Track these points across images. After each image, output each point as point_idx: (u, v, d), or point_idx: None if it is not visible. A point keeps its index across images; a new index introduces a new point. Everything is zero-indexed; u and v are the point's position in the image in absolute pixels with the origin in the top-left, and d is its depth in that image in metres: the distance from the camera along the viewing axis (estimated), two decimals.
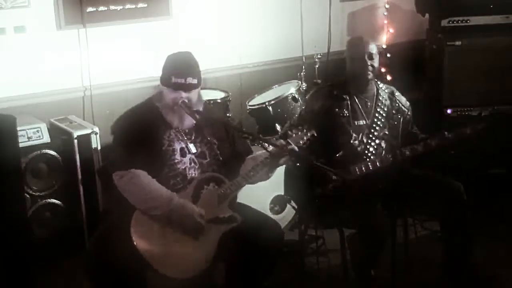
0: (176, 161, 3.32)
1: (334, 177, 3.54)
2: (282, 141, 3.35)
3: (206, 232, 3.23)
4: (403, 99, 3.97)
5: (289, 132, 3.38)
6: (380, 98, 3.89)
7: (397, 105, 3.91)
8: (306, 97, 4.24)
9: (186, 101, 3.31)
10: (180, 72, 3.32)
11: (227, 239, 3.25)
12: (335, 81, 4.03)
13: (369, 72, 3.81)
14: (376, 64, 3.84)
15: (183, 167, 3.33)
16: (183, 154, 3.34)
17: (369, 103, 3.87)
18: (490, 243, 4.22)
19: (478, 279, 3.85)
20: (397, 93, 3.96)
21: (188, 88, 3.32)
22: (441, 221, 3.86)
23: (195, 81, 3.34)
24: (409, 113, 3.95)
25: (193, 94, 3.36)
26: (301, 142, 3.37)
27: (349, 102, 3.82)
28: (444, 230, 3.85)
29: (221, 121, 3.56)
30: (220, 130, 3.49)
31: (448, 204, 3.72)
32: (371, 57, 3.81)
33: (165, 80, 3.35)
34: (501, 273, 4.00)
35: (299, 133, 3.38)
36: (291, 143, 3.32)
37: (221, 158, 3.41)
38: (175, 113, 3.34)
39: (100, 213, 4.32)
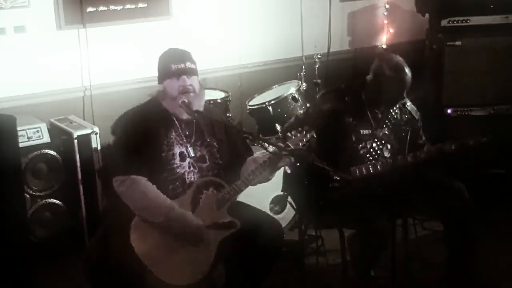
0: (176, 165, 3.31)
1: (335, 177, 3.54)
2: (281, 144, 3.32)
3: (205, 238, 3.23)
4: (414, 109, 3.90)
5: (289, 134, 3.36)
6: (391, 111, 3.84)
7: (406, 116, 3.85)
8: (317, 96, 4.20)
9: (186, 100, 3.31)
10: (178, 58, 3.35)
11: (227, 241, 3.25)
12: (349, 85, 3.96)
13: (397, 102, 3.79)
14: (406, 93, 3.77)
15: (182, 172, 3.32)
16: (182, 159, 3.33)
17: (379, 115, 3.81)
18: (490, 244, 4.22)
19: (478, 279, 3.85)
20: (408, 103, 3.87)
21: (189, 72, 3.34)
22: (444, 222, 3.85)
23: (194, 66, 3.38)
24: (418, 124, 3.89)
25: (195, 81, 3.37)
26: (300, 144, 3.33)
27: (359, 111, 3.76)
28: (446, 230, 3.84)
29: (222, 122, 3.54)
30: (220, 131, 3.47)
31: (451, 205, 3.71)
32: (407, 89, 3.72)
33: (165, 72, 3.35)
34: (502, 273, 3.99)
35: (299, 134, 3.35)
36: (290, 145, 3.30)
37: (221, 162, 3.40)
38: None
39: (100, 213, 4.32)
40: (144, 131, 3.27)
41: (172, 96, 3.32)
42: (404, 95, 3.75)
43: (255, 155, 3.49)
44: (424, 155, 3.72)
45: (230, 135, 3.50)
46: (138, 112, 3.40)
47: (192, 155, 3.36)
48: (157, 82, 3.43)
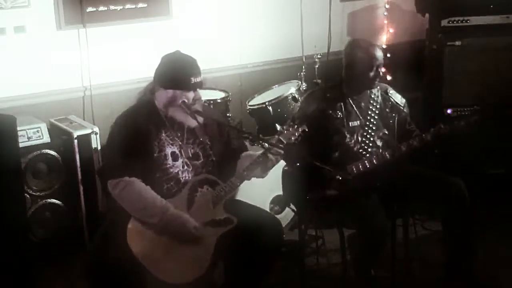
0: (169, 165, 3.30)
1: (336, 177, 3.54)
2: (274, 141, 3.31)
3: (203, 236, 3.22)
4: (398, 97, 3.93)
5: (280, 129, 3.36)
6: (373, 97, 3.86)
7: (390, 103, 3.87)
8: (300, 99, 4.24)
9: (186, 100, 3.31)
10: (195, 70, 3.32)
11: (225, 239, 3.24)
12: (328, 83, 4.00)
13: (376, 82, 3.80)
14: (381, 71, 3.79)
15: (176, 171, 3.31)
16: (175, 158, 3.32)
17: (363, 104, 3.84)
18: (490, 244, 4.22)
19: (478, 279, 3.85)
20: (391, 91, 3.92)
21: (202, 84, 3.35)
22: (443, 219, 3.85)
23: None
24: (404, 110, 3.91)
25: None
26: (292, 138, 3.33)
27: (342, 104, 3.79)
28: (445, 227, 3.83)
29: (214, 119, 3.53)
30: (213, 128, 3.46)
31: (450, 201, 3.71)
32: (380, 65, 3.76)
33: (180, 83, 3.28)
34: (501, 273, 4.00)
35: (290, 129, 3.34)
36: (283, 140, 3.30)
37: (214, 159, 3.40)
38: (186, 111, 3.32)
39: (100, 213, 4.33)
40: (134, 134, 3.25)
41: (177, 102, 3.31)
42: (380, 73, 3.77)
43: (250, 151, 3.49)
44: (418, 142, 3.72)
45: (223, 132, 3.49)
46: (128, 115, 3.36)
47: (186, 154, 3.35)
48: (160, 85, 3.35)
